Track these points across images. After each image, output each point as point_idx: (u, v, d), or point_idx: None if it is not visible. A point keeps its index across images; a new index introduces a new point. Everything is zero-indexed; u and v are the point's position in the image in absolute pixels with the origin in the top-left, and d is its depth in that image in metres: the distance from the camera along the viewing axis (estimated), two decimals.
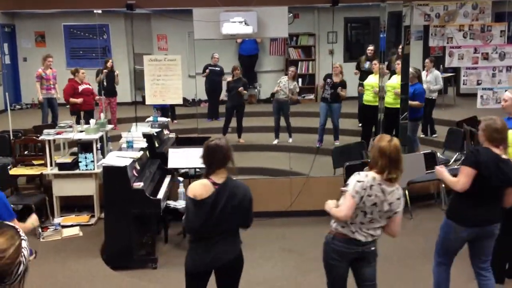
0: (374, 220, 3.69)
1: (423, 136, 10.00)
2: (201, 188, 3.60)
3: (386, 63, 8.47)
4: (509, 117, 5.40)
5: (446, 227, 4.27)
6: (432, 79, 10.05)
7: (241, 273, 3.86)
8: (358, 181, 3.66)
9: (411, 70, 8.42)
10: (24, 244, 1.83)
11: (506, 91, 6.04)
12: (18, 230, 1.88)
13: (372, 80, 9.36)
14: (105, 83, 11.11)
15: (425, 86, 9.68)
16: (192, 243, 3.76)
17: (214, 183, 3.60)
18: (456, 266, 4.48)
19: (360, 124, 10.85)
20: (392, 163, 3.61)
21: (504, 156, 4.11)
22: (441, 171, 4.41)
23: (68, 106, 9.67)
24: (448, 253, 4.33)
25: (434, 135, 10.10)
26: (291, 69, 10.61)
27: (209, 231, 3.60)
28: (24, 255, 1.81)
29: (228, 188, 3.60)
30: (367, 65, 10.94)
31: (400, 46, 8.67)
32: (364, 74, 10.80)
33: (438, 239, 4.39)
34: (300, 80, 14.49)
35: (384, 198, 3.63)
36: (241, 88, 10.49)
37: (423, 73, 10.03)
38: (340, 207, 3.68)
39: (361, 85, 10.68)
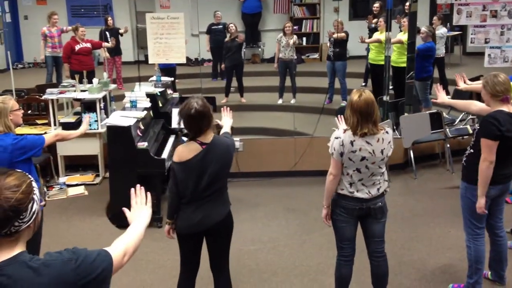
0: (374, 172, 3.65)
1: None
2: (185, 151, 3.52)
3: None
4: None
5: (469, 192, 4.00)
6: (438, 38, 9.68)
7: (231, 234, 3.76)
8: (336, 138, 3.65)
9: (424, 28, 8.33)
10: (34, 184, 1.92)
11: None
12: (26, 173, 1.96)
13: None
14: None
15: None
16: (182, 205, 3.67)
17: (201, 143, 3.50)
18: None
19: (364, 84, 10.75)
20: (363, 117, 3.55)
21: None
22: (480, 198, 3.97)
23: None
24: (482, 218, 4.07)
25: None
26: (287, 25, 10.34)
27: (202, 191, 3.51)
28: (35, 193, 1.90)
29: (218, 146, 3.52)
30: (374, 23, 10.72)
31: (407, 4, 8.50)
32: (371, 32, 10.62)
33: (465, 210, 4.10)
34: (304, 39, 14.31)
35: (372, 148, 3.59)
36: (240, 36, 10.27)
37: None
38: None
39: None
